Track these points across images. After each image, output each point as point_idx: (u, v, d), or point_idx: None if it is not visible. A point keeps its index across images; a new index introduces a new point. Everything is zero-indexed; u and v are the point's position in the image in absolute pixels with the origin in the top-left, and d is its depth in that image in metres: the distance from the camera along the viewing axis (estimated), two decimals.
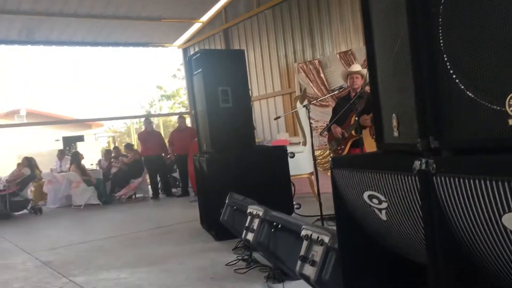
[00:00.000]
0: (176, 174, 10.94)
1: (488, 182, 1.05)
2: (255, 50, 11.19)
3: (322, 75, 8.93)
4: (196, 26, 13.42)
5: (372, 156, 1.71)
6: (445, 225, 1.24)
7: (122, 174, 10.50)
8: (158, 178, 10.50)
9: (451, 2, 1.18)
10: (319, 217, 5.12)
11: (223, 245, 4.79)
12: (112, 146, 15.50)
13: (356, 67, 5.16)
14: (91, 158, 14.27)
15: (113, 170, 10.84)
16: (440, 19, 1.21)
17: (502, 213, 1.04)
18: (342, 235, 1.87)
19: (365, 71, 4.94)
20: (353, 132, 4.83)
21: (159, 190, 10.54)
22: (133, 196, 10.57)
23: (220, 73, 5.38)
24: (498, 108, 1.07)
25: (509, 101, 1.04)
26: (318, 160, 7.41)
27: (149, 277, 3.95)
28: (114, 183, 10.59)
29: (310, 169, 7.40)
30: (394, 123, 1.51)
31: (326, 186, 5.68)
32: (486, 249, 1.12)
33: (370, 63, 1.71)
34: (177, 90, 24.82)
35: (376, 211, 1.58)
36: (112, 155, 11.73)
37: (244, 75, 5.60)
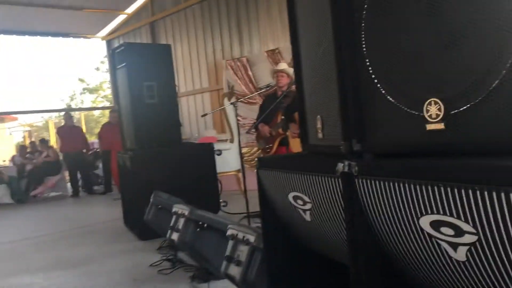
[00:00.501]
0: (99, 171, 10.50)
1: (406, 185, 1.08)
2: (182, 45, 11.01)
3: (250, 72, 8.98)
4: (121, 18, 12.95)
5: (297, 157, 1.71)
6: (366, 226, 1.26)
7: (38, 171, 9.91)
8: (79, 175, 10.01)
9: (373, 8, 1.20)
10: (245, 214, 5.12)
11: (147, 245, 4.66)
12: (28, 141, 14.58)
13: (282, 65, 5.22)
14: (3, 154, 13.32)
15: (29, 167, 10.19)
16: (363, 24, 1.22)
17: (419, 216, 1.07)
18: (267, 236, 1.87)
19: (291, 70, 5.02)
20: (280, 130, 4.88)
21: (79, 188, 10.06)
22: (50, 194, 10.02)
23: (146, 68, 5.23)
24: (416, 113, 1.10)
25: (426, 106, 1.07)
26: (246, 158, 7.44)
27: (66, 282, 3.74)
28: (29, 180, 9.96)
29: (237, 166, 7.41)
30: (319, 124, 1.52)
31: (253, 183, 5.71)
32: (406, 249, 1.16)
33: (296, 63, 1.71)
34: (101, 84, 23.87)
35: (301, 212, 1.59)
36: (28, 150, 11.03)
37: (170, 71, 5.48)
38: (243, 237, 2.53)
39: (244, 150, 7.19)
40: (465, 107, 0.99)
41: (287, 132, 4.59)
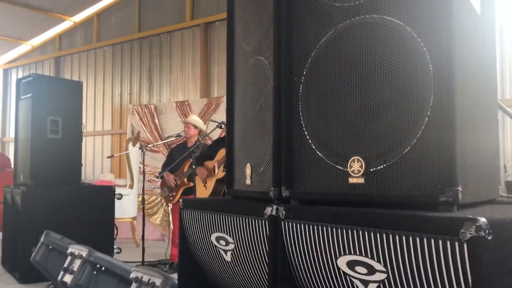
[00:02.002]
0: None
1: (328, 228, 1.25)
2: (88, 84, 10.75)
3: (156, 120, 8.99)
4: (23, 48, 12.34)
5: (224, 201, 1.82)
6: (287, 266, 1.40)
7: None
8: None
9: (310, 75, 1.41)
10: (140, 263, 5.00)
11: None
12: None
13: (190, 118, 5.41)
14: None
15: None
16: (300, 87, 1.42)
17: (338, 256, 1.23)
18: (183, 276, 1.91)
19: (197, 122, 5.19)
20: (185, 180, 4.94)
21: None
22: None
23: (52, 101, 5.06)
24: (341, 168, 1.29)
25: (350, 163, 1.27)
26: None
27: None
28: None
29: (134, 213, 7.23)
30: (248, 171, 1.66)
31: (148, 232, 5.64)
32: (322, 286, 1.30)
33: (229, 115, 1.87)
34: None
35: (222, 252, 1.68)
36: None
37: (78, 108, 5.35)
38: (149, 280, 2.51)
39: (141, 197, 7.07)
40: (382, 166, 1.20)
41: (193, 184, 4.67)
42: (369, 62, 1.25)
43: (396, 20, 1.21)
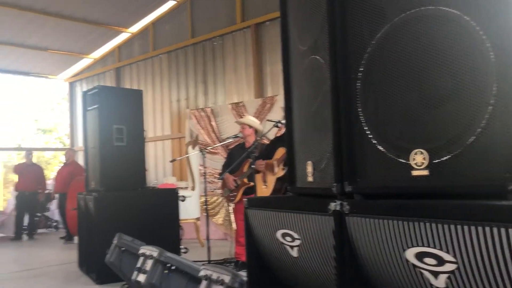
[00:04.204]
0: (50, 214, 10.15)
1: (395, 222, 1.26)
2: (146, 91, 11.15)
3: (213, 123, 9.18)
4: (86, 61, 13.00)
5: (287, 198, 1.87)
6: (354, 260, 1.42)
7: None
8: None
9: (367, 71, 1.42)
10: (206, 262, 5.15)
11: None
12: None
13: (245, 118, 5.51)
14: None
15: None
16: (358, 83, 1.44)
17: (405, 248, 1.24)
18: (252, 273, 1.98)
19: (251, 122, 5.28)
20: (245, 179, 5.04)
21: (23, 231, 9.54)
22: None
23: (117, 111, 5.33)
24: (404, 161, 1.30)
25: (413, 156, 1.28)
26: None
27: None
28: None
29: (197, 214, 7.45)
30: (309, 169, 1.70)
31: (211, 232, 5.79)
32: (391, 280, 1.32)
33: (288, 114, 1.91)
34: (55, 125, 23.34)
35: (288, 248, 1.73)
36: None
37: (140, 115, 5.60)
38: (218, 277, 2.60)
39: (203, 199, 7.26)
40: (446, 157, 1.20)
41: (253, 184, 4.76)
42: (427, 53, 1.25)
43: (453, 10, 1.20)
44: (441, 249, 1.15)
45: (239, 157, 4.82)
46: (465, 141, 1.17)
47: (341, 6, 1.49)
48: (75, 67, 13.33)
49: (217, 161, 8.73)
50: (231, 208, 6.38)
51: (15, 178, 10.28)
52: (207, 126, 9.28)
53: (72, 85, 13.80)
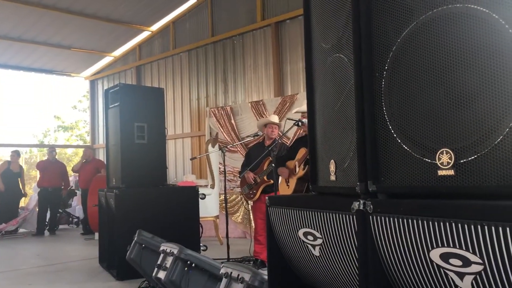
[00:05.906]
0: (71, 210, 10.32)
1: (420, 221, 1.25)
2: (167, 90, 11.25)
3: (233, 121, 9.21)
4: (107, 59, 13.17)
5: (309, 197, 1.87)
6: (378, 261, 1.41)
7: None
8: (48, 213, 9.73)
9: (392, 69, 1.41)
10: (225, 260, 5.17)
11: (125, 285, 4.63)
12: None
13: (275, 118, 5.51)
14: None
15: None
16: (383, 82, 1.43)
17: (430, 249, 1.23)
18: (273, 271, 1.98)
19: (279, 123, 5.32)
20: (265, 177, 5.05)
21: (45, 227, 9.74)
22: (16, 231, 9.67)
23: (138, 108, 5.39)
24: (429, 161, 1.29)
25: (439, 155, 1.26)
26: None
27: None
28: None
29: (216, 212, 7.49)
30: (332, 168, 1.69)
31: (230, 230, 5.82)
32: (415, 281, 1.31)
33: (310, 113, 1.90)
34: (76, 122, 23.71)
35: (310, 247, 1.73)
36: None
37: (161, 113, 5.65)
38: (238, 275, 2.61)
39: (222, 197, 7.30)
40: (473, 157, 1.19)
41: (273, 181, 4.76)
42: (454, 52, 1.23)
43: (481, 8, 1.18)
44: (467, 250, 1.13)
45: (258, 156, 4.83)
46: (492, 141, 1.15)
47: (366, 3, 1.48)
48: (96, 66, 13.52)
49: (237, 159, 8.77)
50: (250, 207, 6.40)
51: (37, 174, 10.48)
52: (227, 125, 9.32)
53: (92, 83, 14.00)
